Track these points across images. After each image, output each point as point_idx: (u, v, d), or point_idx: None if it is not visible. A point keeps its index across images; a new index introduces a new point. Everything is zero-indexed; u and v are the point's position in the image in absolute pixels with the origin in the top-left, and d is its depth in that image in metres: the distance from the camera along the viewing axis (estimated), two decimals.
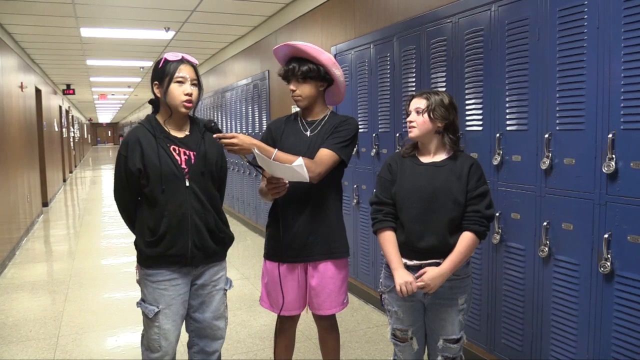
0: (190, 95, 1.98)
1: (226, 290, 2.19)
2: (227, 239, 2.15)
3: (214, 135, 1.99)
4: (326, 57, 2.18)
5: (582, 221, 2.19)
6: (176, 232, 1.98)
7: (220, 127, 2.02)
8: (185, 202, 1.98)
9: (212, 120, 2.06)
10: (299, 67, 2.17)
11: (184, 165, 2.00)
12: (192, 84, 1.99)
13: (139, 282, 2.10)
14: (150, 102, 2.11)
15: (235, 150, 1.99)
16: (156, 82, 2.01)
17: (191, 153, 2.03)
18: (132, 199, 2.06)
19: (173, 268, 2.02)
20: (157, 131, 2.01)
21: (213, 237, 2.06)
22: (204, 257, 2.06)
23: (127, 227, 2.18)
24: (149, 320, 2.03)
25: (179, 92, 1.96)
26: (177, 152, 2.01)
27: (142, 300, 2.07)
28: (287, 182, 2.07)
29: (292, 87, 2.21)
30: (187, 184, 1.99)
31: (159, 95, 2.01)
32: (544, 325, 2.40)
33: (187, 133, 2.07)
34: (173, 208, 1.97)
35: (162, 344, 2.02)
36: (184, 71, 1.97)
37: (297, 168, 1.91)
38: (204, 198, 2.03)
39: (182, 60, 1.99)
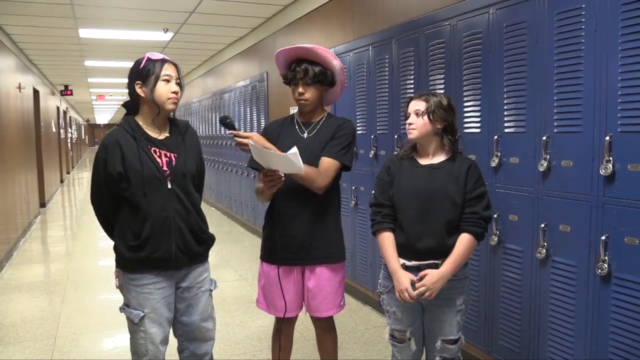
0: (176, 93, 1.97)
1: (211, 290, 2.17)
2: (209, 240, 2.12)
3: (229, 132, 2.02)
4: (337, 62, 2.21)
5: (579, 223, 2.20)
6: (159, 236, 1.95)
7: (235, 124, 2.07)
8: (167, 205, 1.96)
9: (227, 116, 2.08)
10: (311, 69, 2.16)
11: (165, 168, 1.97)
12: (176, 83, 1.99)
13: (119, 287, 2.06)
14: (125, 105, 2.07)
15: (247, 149, 2.00)
16: (139, 81, 1.96)
17: (172, 155, 2.00)
18: (110, 202, 2.02)
19: (156, 272, 1.99)
20: (137, 133, 1.98)
21: (196, 239, 2.04)
22: (188, 259, 2.03)
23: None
24: (135, 325, 2.00)
25: (166, 90, 1.95)
26: (158, 154, 1.98)
27: (126, 305, 2.03)
28: (282, 175, 2.05)
29: (300, 89, 2.18)
30: (169, 186, 1.96)
31: (142, 95, 1.96)
32: (542, 327, 2.41)
33: (167, 134, 2.04)
34: (156, 211, 1.94)
35: (149, 348, 2.00)
36: (169, 70, 1.97)
37: (292, 157, 1.91)
38: (186, 200, 2.00)
39: (166, 60, 1.99)
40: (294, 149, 1.92)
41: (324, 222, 2.24)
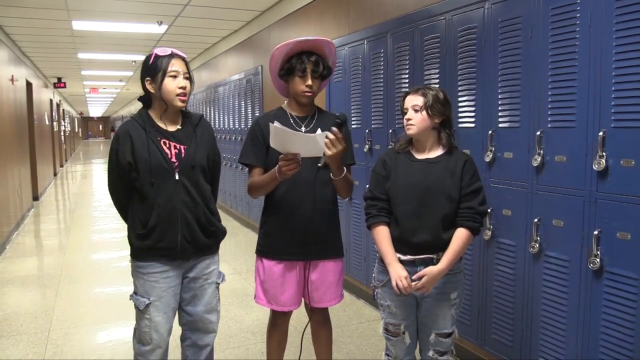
0: (184, 88, 2.00)
1: (219, 284, 2.20)
2: (218, 233, 2.16)
3: (333, 128, 1.96)
4: (335, 59, 2.26)
5: (572, 218, 2.21)
6: (166, 226, 2.00)
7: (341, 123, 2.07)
8: (175, 196, 2.00)
9: (343, 113, 2.08)
10: (321, 61, 2.16)
11: (174, 159, 2.01)
12: (185, 77, 2.01)
13: (131, 274, 2.11)
14: (140, 99, 2.11)
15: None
16: (148, 78, 2.00)
17: (182, 147, 2.04)
18: (124, 192, 2.07)
19: (163, 261, 2.03)
20: (148, 125, 2.02)
21: (203, 231, 2.08)
22: (194, 250, 2.07)
23: (120, 220, 2.19)
24: (140, 313, 2.05)
25: (173, 86, 1.98)
26: (168, 145, 2.02)
27: (134, 292, 2.09)
28: (300, 159, 2.02)
29: (309, 81, 2.14)
30: (177, 177, 2.00)
31: (152, 91, 2.01)
32: (534, 321, 2.43)
33: (179, 127, 2.08)
34: (162, 201, 1.99)
35: (153, 336, 2.04)
36: (177, 65, 1.99)
37: (319, 138, 1.93)
38: (194, 192, 2.04)
39: (173, 55, 2.01)
40: (319, 131, 1.99)
41: (327, 218, 2.25)
